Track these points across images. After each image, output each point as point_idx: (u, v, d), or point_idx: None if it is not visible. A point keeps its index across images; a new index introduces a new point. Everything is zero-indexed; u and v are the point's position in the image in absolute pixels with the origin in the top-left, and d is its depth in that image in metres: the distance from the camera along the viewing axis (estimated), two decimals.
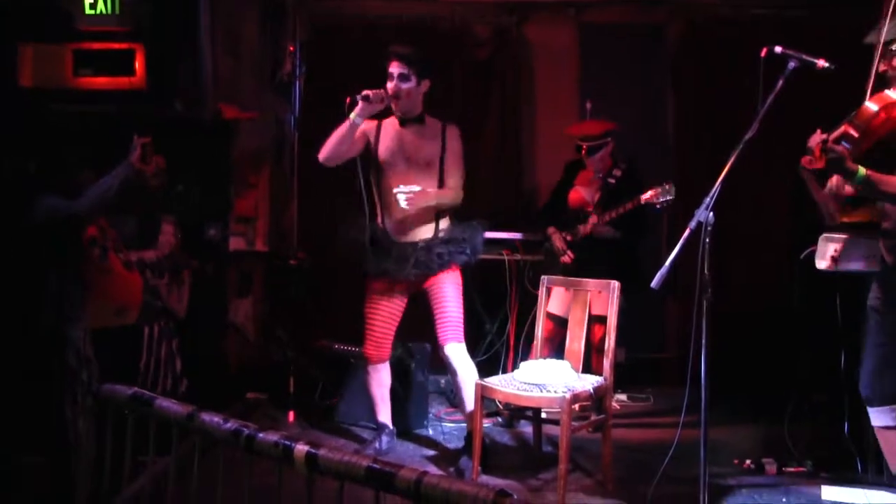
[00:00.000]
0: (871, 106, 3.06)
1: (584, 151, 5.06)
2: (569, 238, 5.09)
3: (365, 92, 3.99)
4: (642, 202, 4.71)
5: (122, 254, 4.19)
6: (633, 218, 4.89)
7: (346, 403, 5.01)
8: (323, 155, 4.13)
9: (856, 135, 3.05)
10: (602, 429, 3.90)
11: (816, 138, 3.15)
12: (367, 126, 4.20)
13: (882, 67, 3.15)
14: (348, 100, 4.00)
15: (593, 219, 4.96)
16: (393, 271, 4.14)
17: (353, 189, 4.16)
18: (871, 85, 3.22)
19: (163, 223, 4.65)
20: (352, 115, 4.02)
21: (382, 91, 4.04)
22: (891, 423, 3.27)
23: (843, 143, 3.04)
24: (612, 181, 5.06)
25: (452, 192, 4.14)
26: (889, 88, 3.12)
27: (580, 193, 5.16)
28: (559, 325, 4.76)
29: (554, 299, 4.87)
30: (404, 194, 3.96)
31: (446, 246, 4.10)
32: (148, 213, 4.55)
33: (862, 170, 2.99)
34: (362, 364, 4.48)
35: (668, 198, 4.66)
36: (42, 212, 3.66)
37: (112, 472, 2.35)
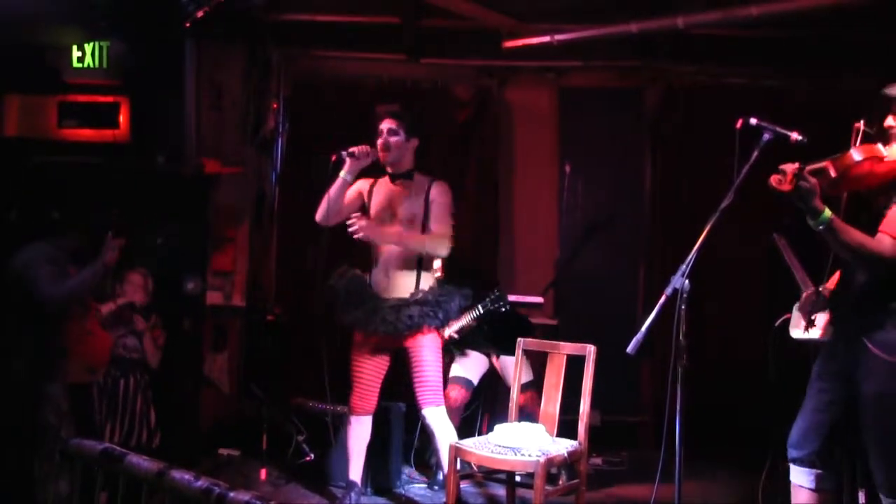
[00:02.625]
0: (855, 154, 3.00)
1: None
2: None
3: (351, 149, 4.08)
4: (481, 311, 4.44)
5: (98, 312, 4.20)
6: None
7: (319, 462, 4.95)
8: (319, 215, 4.19)
9: (833, 174, 2.99)
10: (576, 493, 3.87)
11: (792, 165, 2.94)
12: (362, 185, 4.29)
13: (890, 122, 3.07)
14: (333, 157, 4.07)
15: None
16: (361, 323, 4.16)
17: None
18: (858, 139, 3.17)
19: (131, 273, 4.65)
20: (341, 173, 4.12)
21: (367, 147, 4.11)
22: (809, 486, 3.25)
23: (819, 177, 2.92)
24: None
25: (428, 238, 4.12)
26: (881, 143, 3.06)
27: None
28: (468, 388, 4.90)
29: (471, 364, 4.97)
30: (354, 221, 3.99)
31: (418, 307, 4.07)
32: (120, 265, 4.55)
33: (827, 212, 2.92)
34: (346, 416, 4.39)
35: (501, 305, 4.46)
36: (31, 272, 3.65)
37: None
